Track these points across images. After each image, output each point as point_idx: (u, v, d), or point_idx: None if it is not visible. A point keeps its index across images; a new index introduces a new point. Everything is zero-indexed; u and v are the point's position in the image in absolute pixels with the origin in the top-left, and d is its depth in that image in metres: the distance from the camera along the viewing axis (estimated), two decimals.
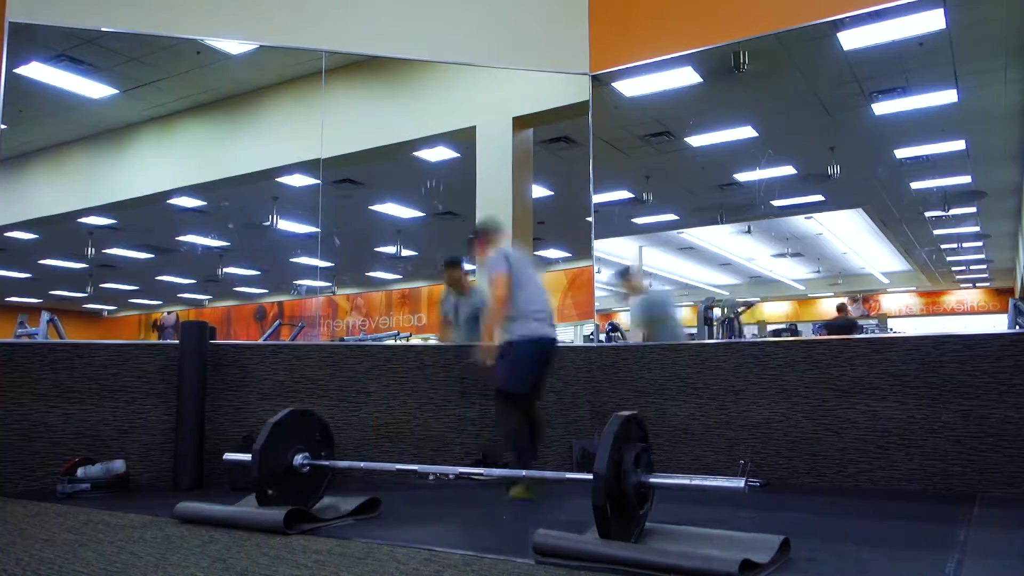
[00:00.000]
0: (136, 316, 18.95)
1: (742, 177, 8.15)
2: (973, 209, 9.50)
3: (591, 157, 4.89)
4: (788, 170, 8.06)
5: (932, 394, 3.68)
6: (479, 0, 4.95)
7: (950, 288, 14.13)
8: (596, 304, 5.48)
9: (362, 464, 3.29)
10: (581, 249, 10.35)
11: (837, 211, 9.87)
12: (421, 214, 10.26)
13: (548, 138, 6.82)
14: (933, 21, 4.71)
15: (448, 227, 10.04)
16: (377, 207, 9.99)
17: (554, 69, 4.99)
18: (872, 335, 7.87)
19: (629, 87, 5.45)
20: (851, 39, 5.03)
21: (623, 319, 11.47)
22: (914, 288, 14.42)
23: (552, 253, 11.22)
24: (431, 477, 4.15)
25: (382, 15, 4.77)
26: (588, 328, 10.30)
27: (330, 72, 5.30)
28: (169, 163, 7.90)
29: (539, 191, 7.34)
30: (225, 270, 13.65)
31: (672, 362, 4.39)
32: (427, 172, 7.79)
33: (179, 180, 8.09)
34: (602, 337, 5.47)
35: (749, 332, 8.02)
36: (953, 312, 14.07)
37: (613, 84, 5.14)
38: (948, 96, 6.14)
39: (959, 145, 7.30)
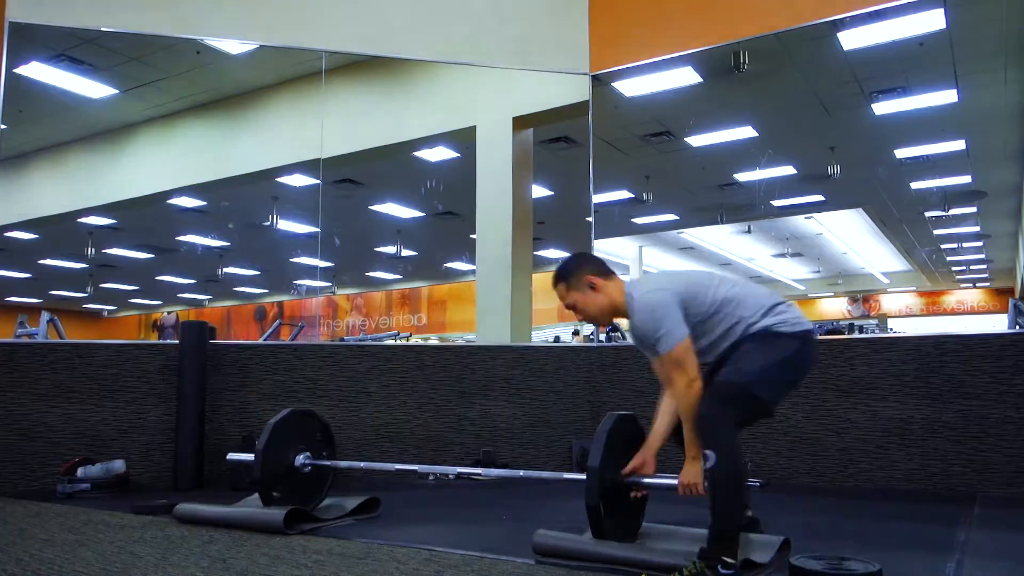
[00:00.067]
0: (136, 316, 18.97)
1: (742, 177, 8.15)
2: (973, 209, 9.51)
3: (591, 157, 4.89)
4: (788, 170, 8.06)
5: (932, 394, 3.68)
6: (479, 0, 4.95)
7: (950, 288, 14.15)
8: None
9: (362, 464, 3.30)
10: (581, 249, 10.33)
11: (837, 211, 9.88)
12: (421, 214, 10.27)
13: (548, 138, 6.82)
14: (933, 21, 4.71)
15: (448, 227, 10.05)
16: (377, 207, 10.00)
17: (554, 69, 4.99)
18: (872, 335, 7.87)
19: (629, 87, 5.45)
20: (851, 39, 5.03)
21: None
22: (914, 288, 14.43)
23: (552, 253, 11.21)
24: (431, 477, 4.15)
25: (382, 15, 4.77)
26: (588, 328, 10.30)
27: (330, 72, 5.31)
28: (169, 163, 7.90)
29: (539, 191, 7.34)
30: (225, 270, 13.66)
31: None
32: (427, 172, 7.80)
33: (179, 180, 8.09)
34: (602, 337, 5.46)
35: None
36: (953, 312, 14.09)
37: (613, 84, 5.14)
38: (948, 96, 6.14)
39: (959, 145, 7.31)
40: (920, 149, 7.39)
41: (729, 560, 1.97)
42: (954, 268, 13.25)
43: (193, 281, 15.99)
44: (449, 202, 8.77)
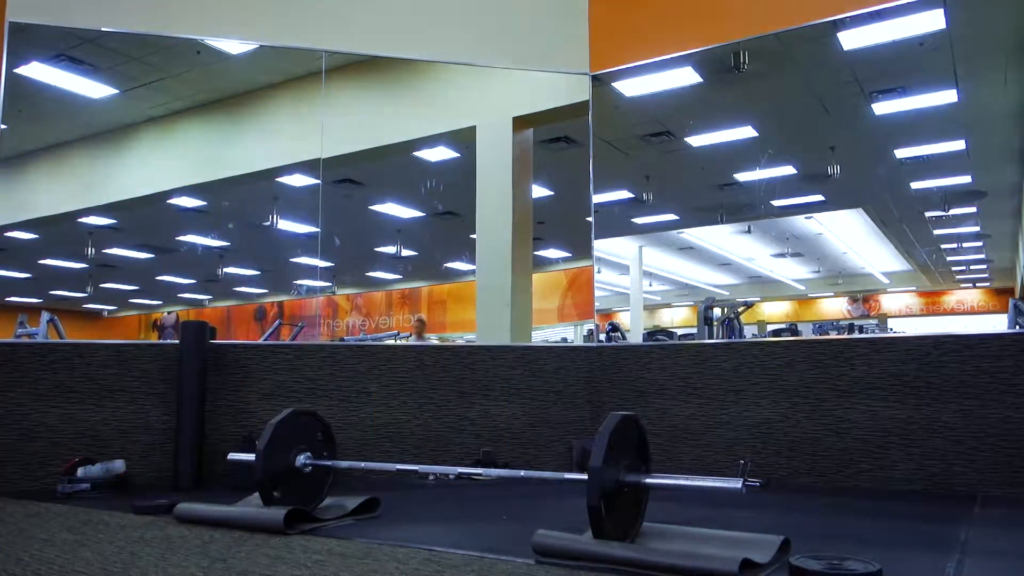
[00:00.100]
0: (136, 316, 18.95)
1: (742, 177, 8.14)
2: (973, 209, 9.50)
3: (591, 157, 4.89)
4: (788, 170, 8.06)
5: (932, 394, 3.68)
6: (479, 0, 4.95)
7: (950, 288, 14.14)
8: (596, 304, 5.48)
9: (362, 464, 3.29)
10: (581, 249, 10.35)
11: (837, 211, 9.87)
12: (421, 214, 10.26)
13: (548, 138, 6.82)
14: (933, 21, 4.71)
15: (448, 227, 10.04)
16: (377, 207, 10.00)
17: (554, 69, 4.99)
18: (872, 335, 7.87)
19: (629, 87, 5.45)
20: (851, 39, 5.03)
21: (623, 319, 11.48)
22: (914, 288, 14.42)
23: (552, 253, 11.23)
24: (431, 477, 4.15)
25: (382, 15, 4.77)
26: (588, 328, 10.30)
27: (330, 72, 5.30)
28: (169, 163, 7.90)
29: (539, 191, 7.34)
30: (225, 270, 13.64)
31: (672, 362, 4.39)
32: (427, 172, 7.79)
33: (179, 180, 8.09)
34: (602, 337, 5.47)
35: (749, 332, 8.02)
36: (953, 312, 14.08)
37: (613, 84, 5.14)
38: (948, 96, 6.14)
39: (959, 145, 7.31)
40: (920, 149, 7.39)
41: None
42: (954, 268, 13.24)
43: (193, 281, 15.97)
44: (449, 202, 8.76)
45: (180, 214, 9.84)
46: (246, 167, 7.33)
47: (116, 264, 13.37)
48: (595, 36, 4.91)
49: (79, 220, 9.74)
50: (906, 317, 14.41)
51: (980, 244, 11.55)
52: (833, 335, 8.63)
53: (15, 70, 4.56)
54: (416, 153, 7.18)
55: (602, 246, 5.11)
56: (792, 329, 9.95)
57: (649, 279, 12.82)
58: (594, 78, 4.89)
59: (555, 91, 5.29)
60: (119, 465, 3.76)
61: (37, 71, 6.11)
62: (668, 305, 14.99)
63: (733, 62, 4.96)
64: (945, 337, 3.73)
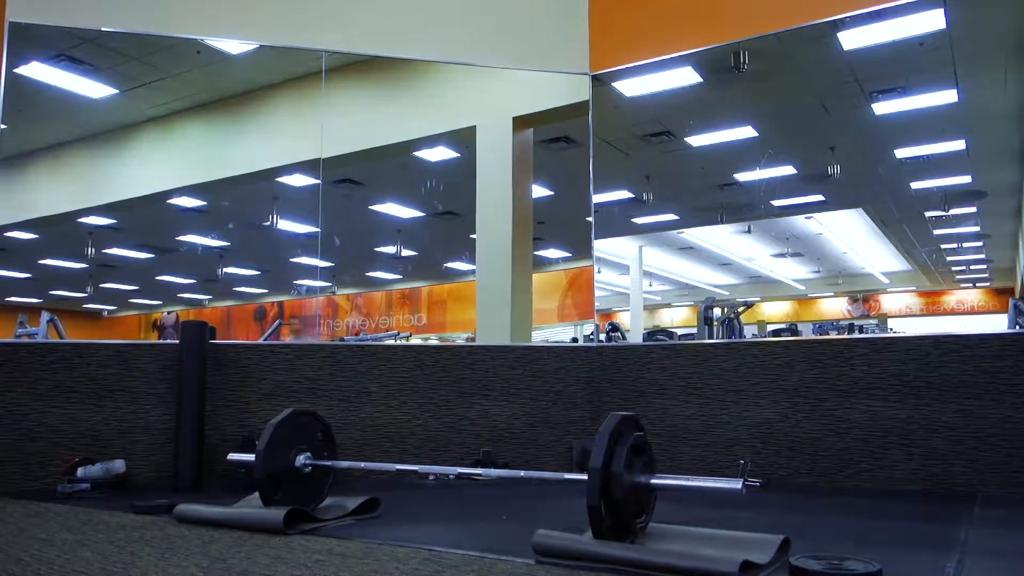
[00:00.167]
0: (136, 316, 18.95)
1: (742, 177, 8.15)
2: (973, 209, 9.51)
3: (591, 157, 4.89)
4: (788, 170, 8.06)
5: (932, 394, 3.68)
6: (479, 0, 4.95)
7: (950, 288, 14.14)
8: (596, 304, 5.48)
9: (362, 464, 3.29)
10: (581, 249, 10.36)
11: (837, 211, 9.88)
12: (421, 214, 10.27)
13: (548, 138, 6.83)
14: (933, 21, 4.71)
15: (448, 227, 10.05)
16: (377, 207, 10.00)
17: (554, 69, 4.99)
18: (872, 335, 7.86)
19: (629, 87, 5.45)
20: (851, 39, 5.03)
21: (623, 319, 11.48)
22: (914, 288, 14.43)
23: (552, 253, 11.24)
24: (431, 477, 4.15)
25: (382, 15, 4.77)
26: (588, 328, 10.30)
27: (330, 72, 5.31)
28: (169, 163, 7.90)
29: (539, 191, 7.34)
30: (225, 270, 13.64)
31: (672, 362, 4.39)
32: (427, 172, 7.80)
33: (179, 180, 8.10)
34: (602, 337, 5.47)
35: (749, 332, 8.02)
36: (953, 312, 14.09)
37: (613, 84, 5.14)
38: (948, 96, 6.14)
39: (959, 145, 7.31)
40: (920, 149, 7.40)
41: None
42: (954, 268, 13.24)
43: (193, 281, 15.98)
44: (449, 202, 8.76)
45: (180, 214, 9.85)
46: (246, 167, 7.33)
47: (116, 264, 13.37)
48: (595, 36, 4.91)
49: (79, 220, 9.74)
50: (906, 317, 14.42)
51: (980, 244, 11.55)
52: (833, 335, 8.65)
53: (15, 70, 4.56)
54: (416, 153, 7.19)
55: (602, 246, 5.11)
56: (792, 329, 9.96)
57: (649, 279, 12.83)
58: (594, 78, 4.89)
59: (555, 91, 5.29)
60: (119, 465, 3.76)
61: (37, 71, 6.11)
62: (668, 305, 15.01)
63: (733, 62, 4.96)
64: (945, 337, 3.73)
